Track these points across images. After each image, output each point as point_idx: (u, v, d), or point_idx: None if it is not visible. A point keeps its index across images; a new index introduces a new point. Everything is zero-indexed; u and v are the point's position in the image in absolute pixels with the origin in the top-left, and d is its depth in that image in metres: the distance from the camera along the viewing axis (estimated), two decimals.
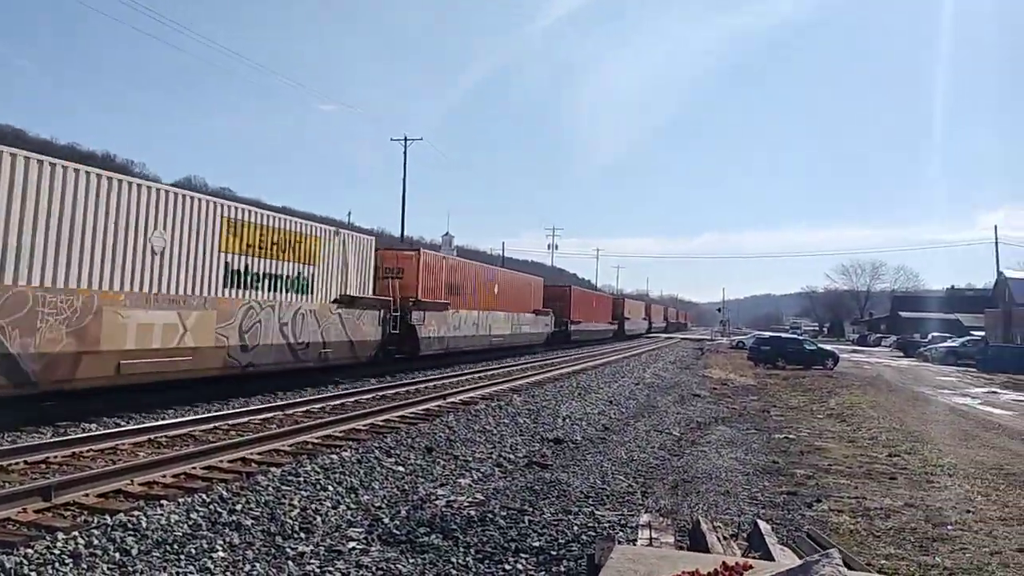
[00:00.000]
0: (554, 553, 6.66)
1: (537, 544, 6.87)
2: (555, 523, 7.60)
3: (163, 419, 12.54)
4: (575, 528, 7.43)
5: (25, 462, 9.04)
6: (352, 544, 6.74)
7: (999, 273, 68.17)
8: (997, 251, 64.22)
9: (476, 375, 24.10)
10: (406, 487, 9.13)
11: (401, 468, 10.04)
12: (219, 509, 7.40)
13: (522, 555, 6.60)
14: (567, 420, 15.32)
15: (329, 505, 8.03)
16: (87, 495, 7.63)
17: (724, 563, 3.56)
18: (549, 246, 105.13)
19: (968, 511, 9.06)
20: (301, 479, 8.79)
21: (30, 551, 5.92)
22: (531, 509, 8.16)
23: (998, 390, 29.67)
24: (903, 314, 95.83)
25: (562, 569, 6.32)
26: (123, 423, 12.16)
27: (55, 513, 7.15)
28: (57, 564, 5.80)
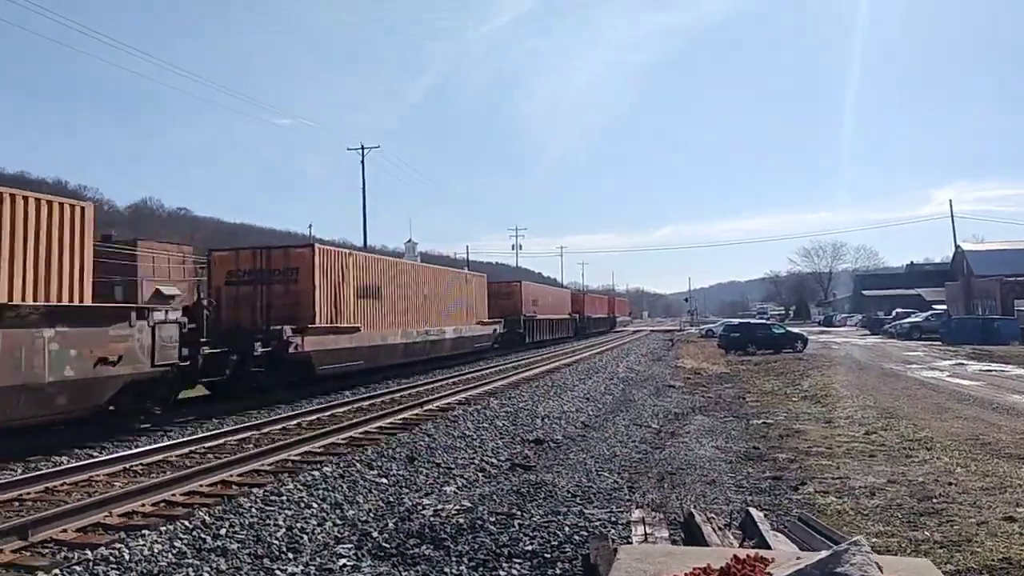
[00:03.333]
0: (548, 556, 6.60)
1: (530, 548, 6.81)
2: (545, 525, 7.54)
3: (137, 447, 12.27)
4: (566, 529, 7.38)
5: None
6: (343, 561, 6.63)
7: (956, 246, 69.65)
8: (953, 225, 65.71)
9: (451, 381, 23.99)
10: (391, 499, 9.02)
11: (384, 480, 9.93)
12: (203, 535, 7.25)
13: (515, 560, 6.53)
14: (546, 420, 15.30)
15: (315, 523, 7.90)
16: (65, 531, 7.42)
17: (735, 556, 3.52)
18: (513, 247, 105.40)
19: (950, 483, 9.17)
20: (284, 498, 8.65)
21: None
22: (519, 512, 8.10)
23: (964, 361, 30.22)
24: (866, 292, 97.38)
25: (557, 571, 6.27)
26: (95, 454, 11.87)
27: (33, 552, 6.94)
28: None
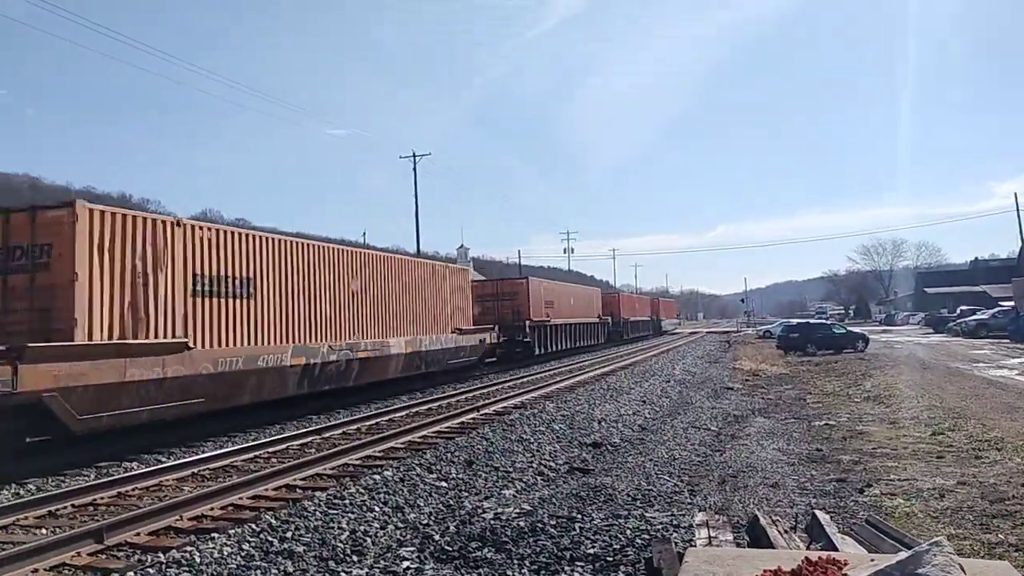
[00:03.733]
0: (610, 559, 6.58)
1: (591, 551, 6.79)
2: (606, 528, 7.52)
3: (203, 452, 12.58)
4: (628, 532, 7.35)
5: (72, 505, 9.07)
6: (406, 564, 6.69)
7: (1023, 241, 67.29)
8: (1020, 218, 63.21)
9: (507, 385, 24.05)
10: (451, 502, 9.08)
11: (444, 483, 10.00)
12: (270, 538, 7.40)
13: (578, 563, 6.52)
14: (603, 423, 15.23)
15: (377, 526, 8.00)
16: (138, 534, 7.64)
17: (807, 559, 3.46)
18: (565, 250, 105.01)
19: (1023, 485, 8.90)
20: (347, 502, 8.78)
21: None
22: (580, 516, 8.08)
23: None
24: (928, 290, 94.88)
25: (620, 575, 6.24)
26: (164, 459, 12.20)
27: (109, 555, 7.17)
28: None
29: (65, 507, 8.99)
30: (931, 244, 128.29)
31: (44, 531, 8.09)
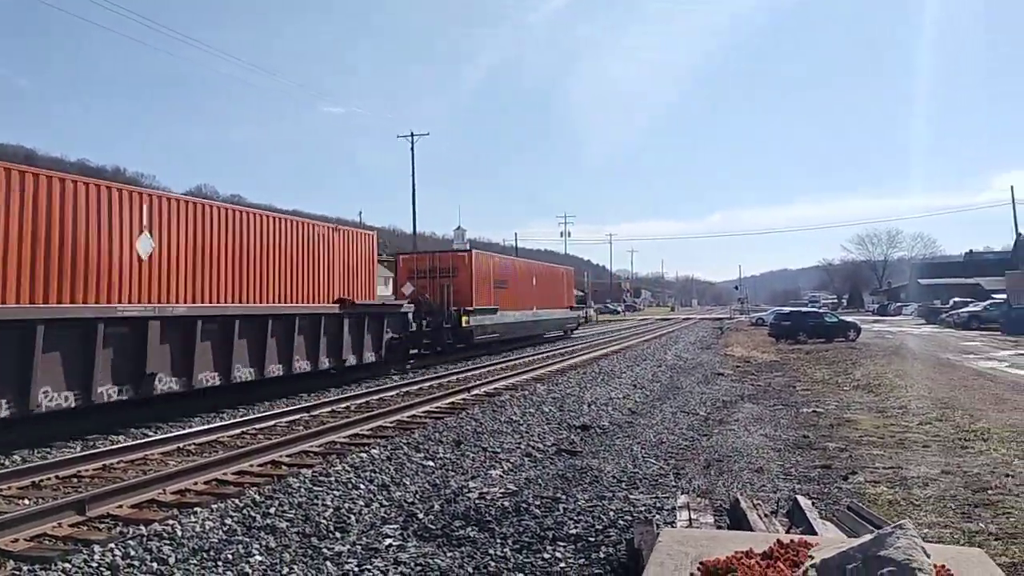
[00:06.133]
0: (592, 539, 6.59)
1: (574, 531, 6.80)
2: (590, 509, 7.53)
3: (190, 427, 12.56)
4: (611, 513, 7.36)
5: (57, 477, 9.07)
6: (388, 541, 6.70)
7: (1018, 234, 67.38)
8: (1015, 211, 63.24)
9: (498, 366, 24.07)
10: (437, 481, 9.09)
11: (431, 463, 10.01)
12: (253, 513, 7.39)
13: (559, 543, 6.53)
14: (593, 406, 15.25)
15: (362, 503, 8.00)
16: (120, 506, 7.64)
17: (779, 541, 3.45)
18: (562, 234, 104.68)
19: (1008, 475, 8.92)
20: (332, 479, 8.78)
21: (68, 565, 5.91)
22: (564, 497, 8.09)
23: None
24: (922, 281, 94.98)
25: (601, 555, 6.25)
26: (151, 433, 12.18)
27: (90, 526, 7.16)
28: None
29: (49, 478, 8.99)
30: (927, 235, 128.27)
31: (26, 501, 8.08)
